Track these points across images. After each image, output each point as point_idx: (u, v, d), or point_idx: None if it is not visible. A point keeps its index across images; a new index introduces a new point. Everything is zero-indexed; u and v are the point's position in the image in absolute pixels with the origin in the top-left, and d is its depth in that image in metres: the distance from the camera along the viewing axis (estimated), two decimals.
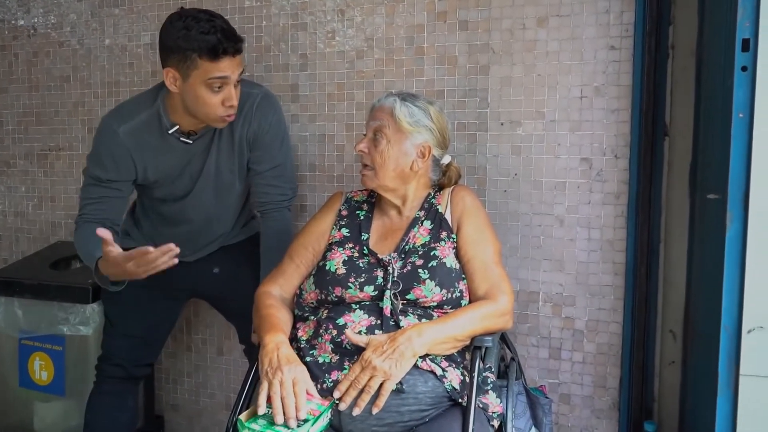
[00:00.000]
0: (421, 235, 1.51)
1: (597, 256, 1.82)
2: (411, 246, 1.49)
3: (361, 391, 1.28)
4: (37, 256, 2.31)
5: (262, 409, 1.25)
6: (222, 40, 1.53)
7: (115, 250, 1.46)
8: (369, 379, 1.28)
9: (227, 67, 1.56)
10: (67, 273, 2.18)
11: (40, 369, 2.08)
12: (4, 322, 2.11)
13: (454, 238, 1.51)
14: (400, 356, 1.29)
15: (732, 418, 1.36)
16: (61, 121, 2.42)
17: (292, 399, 1.25)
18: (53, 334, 2.04)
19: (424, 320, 1.40)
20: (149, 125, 1.69)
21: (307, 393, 1.29)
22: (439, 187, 1.62)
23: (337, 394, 1.29)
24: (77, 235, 1.75)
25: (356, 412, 1.27)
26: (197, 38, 1.52)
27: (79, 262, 2.15)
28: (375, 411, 1.27)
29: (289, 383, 1.27)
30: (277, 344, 1.36)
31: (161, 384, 2.37)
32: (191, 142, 1.71)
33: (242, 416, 1.26)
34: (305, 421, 1.23)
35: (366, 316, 1.41)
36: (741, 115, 1.30)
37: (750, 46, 1.27)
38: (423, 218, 1.54)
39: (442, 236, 1.50)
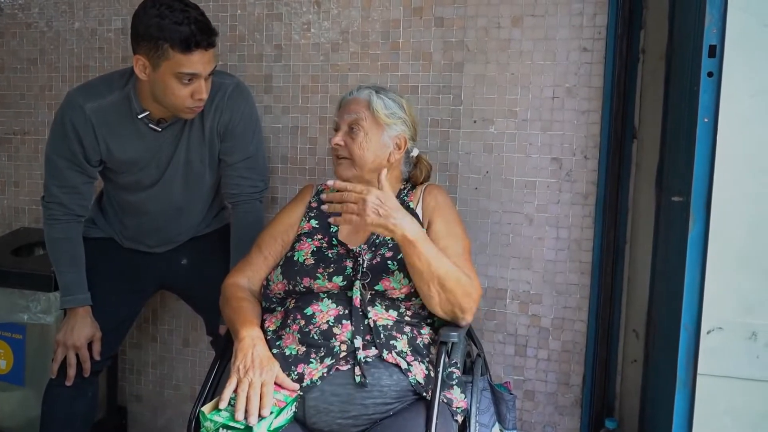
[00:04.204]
0: None
1: (564, 255, 1.85)
2: (381, 239, 1.49)
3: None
4: None
5: (224, 403, 1.24)
6: (195, 32, 1.50)
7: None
8: (354, 205, 1.32)
9: (198, 62, 1.53)
10: (29, 260, 2.13)
11: None
12: None
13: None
14: (389, 216, 1.31)
15: (689, 416, 1.38)
16: (27, 105, 2.35)
17: (257, 399, 1.23)
18: (13, 322, 2.00)
19: (391, 311, 1.41)
20: (118, 107, 1.66)
21: (276, 385, 1.28)
22: (412, 185, 1.63)
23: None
24: (53, 233, 1.73)
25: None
26: (170, 28, 1.49)
27: (42, 249, 2.10)
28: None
29: (257, 385, 1.25)
30: (253, 340, 1.34)
31: (125, 375, 2.33)
32: (160, 129, 1.69)
33: (205, 408, 1.25)
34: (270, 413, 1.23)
35: (334, 305, 1.41)
36: (706, 120, 1.32)
37: (716, 52, 1.30)
38: None
39: None
